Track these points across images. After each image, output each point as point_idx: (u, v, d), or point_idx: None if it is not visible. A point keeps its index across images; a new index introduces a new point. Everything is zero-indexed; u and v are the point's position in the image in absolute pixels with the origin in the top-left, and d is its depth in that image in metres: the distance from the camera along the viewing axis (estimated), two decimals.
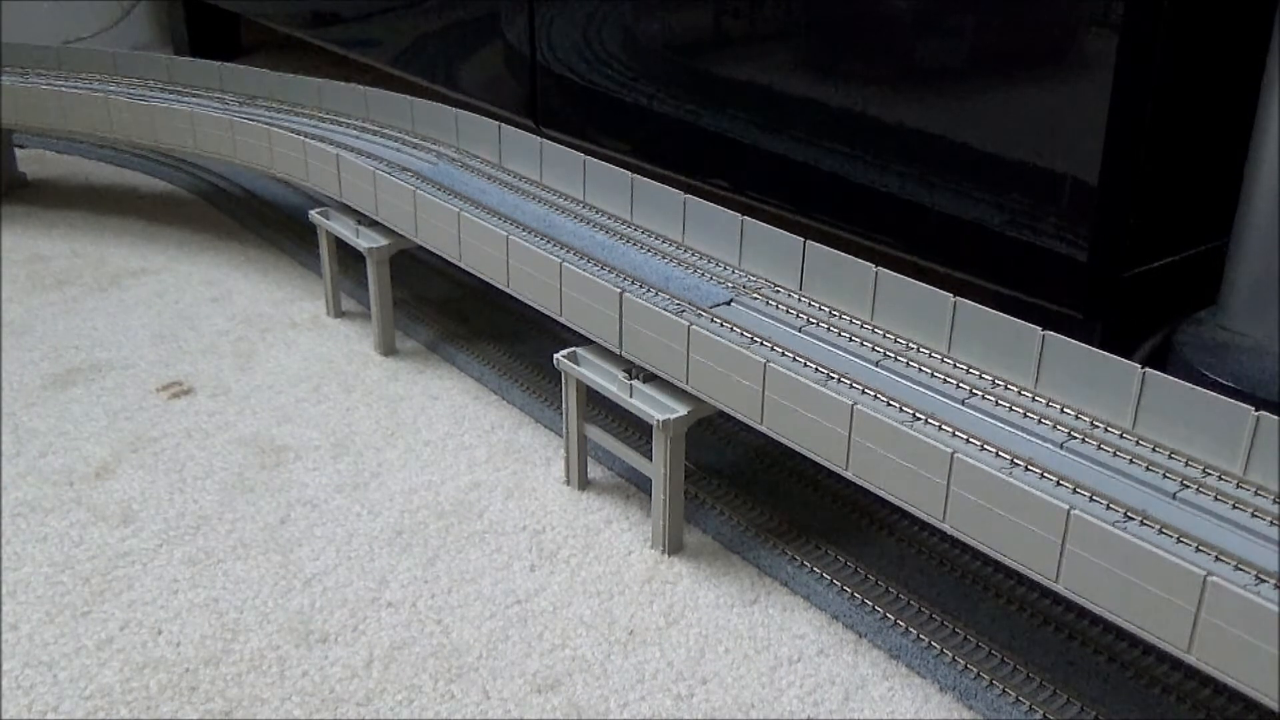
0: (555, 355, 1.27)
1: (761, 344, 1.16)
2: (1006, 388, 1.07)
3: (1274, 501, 0.90)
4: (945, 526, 0.93)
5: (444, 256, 1.46)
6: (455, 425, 1.46)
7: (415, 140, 1.80)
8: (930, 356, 1.13)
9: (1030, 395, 1.06)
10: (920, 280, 1.15)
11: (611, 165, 1.50)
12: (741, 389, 1.09)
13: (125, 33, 3.19)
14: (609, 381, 1.23)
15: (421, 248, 1.52)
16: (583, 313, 1.26)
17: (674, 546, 1.22)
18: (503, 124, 1.68)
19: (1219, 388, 1.02)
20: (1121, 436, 0.99)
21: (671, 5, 1.68)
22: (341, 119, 1.89)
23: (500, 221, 1.48)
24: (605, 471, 1.37)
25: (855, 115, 1.43)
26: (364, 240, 1.59)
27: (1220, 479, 0.93)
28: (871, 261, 1.19)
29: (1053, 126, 1.24)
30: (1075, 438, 0.99)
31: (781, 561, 1.19)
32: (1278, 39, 1.15)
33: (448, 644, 1.10)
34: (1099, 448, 0.98)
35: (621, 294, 1.19)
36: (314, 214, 1.69)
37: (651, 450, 1.19)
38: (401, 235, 1.55)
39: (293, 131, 1.72)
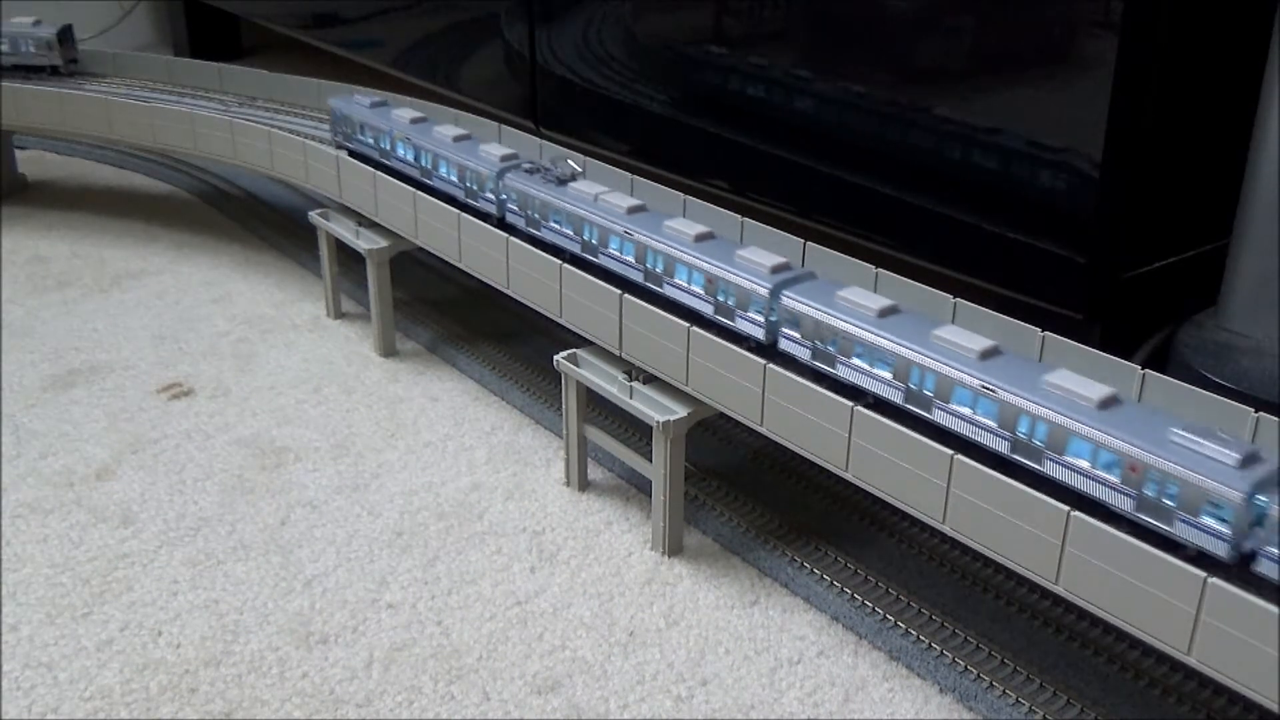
0: (555, 357, 1.27)
1: None
2: None
3: None
4: (945, 528, 0.93)
5: (444, 258, 1.46)
6: (455, 427, 1.46)
7: None
8: None
9: None
10: (920, 282, 1.15)
11: (611, 166, 1.50)
12: (741, 390, 1.09)
13: (125, 33, 3.19)
14: (609, 383, 1.23)
15: (421, 249, 1.52)
16: (582, 314, 1.26)
17: (674, 548, 1.22)
18: (502, 125, 1.68)
19: (1219, 389, 1.01)
20: None
21: (671, 6, 1.67)
22: None
23: None
24: (605, 473, 1.37)
25: (855, 116, 1.43)
26: (364, 241, 1.59)
27: None
28: (871, 263, 1.19)
29: (1052, 126, 1.24)
30: None
31: (781, 563, 1.19)
32: (1278, 39, 1.15)
33: (448, 645, 1.10)
34: None
35: (621, 295, 1.19)
36: (314, 215, 1.69)
37: (651, 452, 1.19)
38: (401, 237, 1.55)
39: (293, 132, 1.72)
